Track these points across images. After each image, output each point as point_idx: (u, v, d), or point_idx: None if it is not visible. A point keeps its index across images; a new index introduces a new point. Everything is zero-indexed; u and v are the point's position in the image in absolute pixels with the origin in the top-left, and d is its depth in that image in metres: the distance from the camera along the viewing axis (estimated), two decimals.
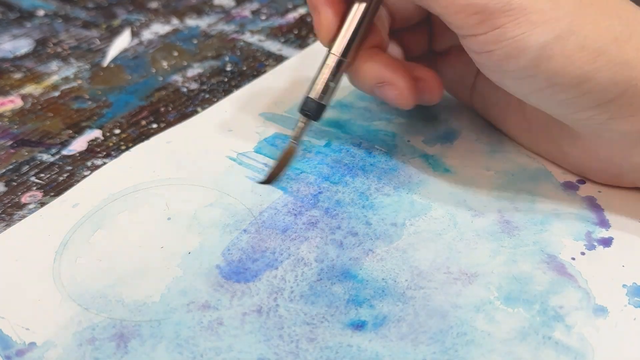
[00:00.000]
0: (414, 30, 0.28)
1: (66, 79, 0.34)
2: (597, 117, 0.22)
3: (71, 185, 0.26)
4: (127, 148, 0.29)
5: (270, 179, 0.26)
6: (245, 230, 0.24)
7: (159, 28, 0.39)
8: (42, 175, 0.27)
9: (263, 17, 0.40)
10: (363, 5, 0.24)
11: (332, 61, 0.25)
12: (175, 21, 0.40)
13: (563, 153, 0.26)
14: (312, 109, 0.25)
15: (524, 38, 0.20)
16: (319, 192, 0.25)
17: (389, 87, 0.25)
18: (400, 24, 0.27)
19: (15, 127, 0.30)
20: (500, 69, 0.22)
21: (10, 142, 0.29)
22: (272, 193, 0.25)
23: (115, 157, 0.28)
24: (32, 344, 0.20)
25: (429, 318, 0.21)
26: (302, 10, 0.41)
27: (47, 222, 0.24)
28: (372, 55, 0.25)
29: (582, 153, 0.25)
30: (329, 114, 0.30)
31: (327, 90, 0.25)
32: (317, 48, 0.36)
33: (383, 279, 0.22)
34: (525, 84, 0.22)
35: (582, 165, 0.26)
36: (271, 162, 0.26)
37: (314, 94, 0.25)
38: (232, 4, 0.42)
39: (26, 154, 0.28)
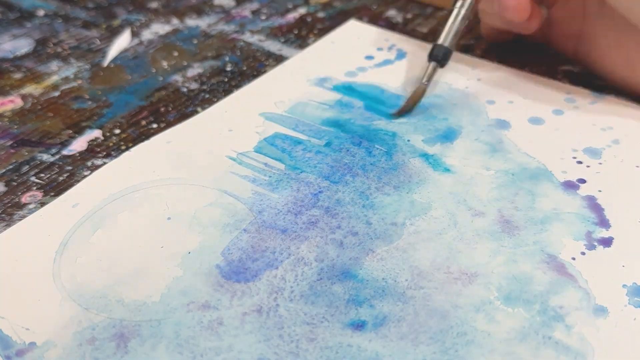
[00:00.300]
0: None
1: (66, 79, 0.34)
2: None
3: (71, 185, 0.26)
4: (127, 148, 0.29)
5: (400, 113, 0.30)
6: (245, 230, 0.24)
7: (159, 28, 0.39)
8: (42, 175, 0.27)
9: (263, 17, 0.40)
10: None
11: (463, 10, 0.30)
12: (175, 21, 0.40)
13: None
14: (440, 55, 0.30)
15: None
16: (319, 192, 0.25)
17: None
18: None
19: (15, 127, 0.30)
20: None
21: (10, 142, 0.29)
22: (272, 192, 0.25)
23: (115, 157, 0.28)
24: (32, 344, 0.20)
25: (429, 318, 0.21)
26: (302, 10, 0.41)
27: (47, 222, 0.24)
28: None
29: None
30: (328, 114, 0.30)
31: (457, 35, 0.30)
32: (316, 48, 0.36)
33: (383, 278, 0.22)
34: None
35: None
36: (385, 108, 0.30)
37: (447, 41, 0.30)
38: (232, 4, 0.42)
39: (26, 154, 0.28)
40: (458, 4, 0.30)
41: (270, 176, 0.26)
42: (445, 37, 0.30)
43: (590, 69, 0.32)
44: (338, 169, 0.27)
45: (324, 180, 0.26)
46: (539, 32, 0.33)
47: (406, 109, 0.30)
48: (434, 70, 0.30)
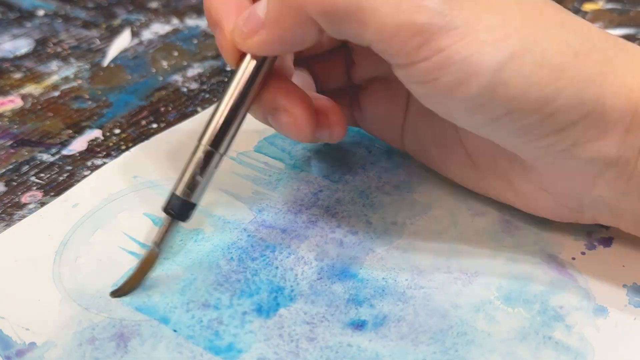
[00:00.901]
0: (328, 59, 0.23)
1: (66, 79, 0.34)
2: (559, 144, 0.19)
3: (71, 185, 0.26)
4: (127, 148, 0.29)
5: (125, 289, 0.21)
6: (245, 229, 0.24)
7: (159, 28, 0.39)
8: (42, 175, 0.27)
9: None
10: (249, 71, 0.21)
11: (200, 153, 0.21)
12: (175, 21, 0.40)
13: (514, 191, 0.23)
14: (176, 208, 0.21)
15: (475, 60, 0.18)
16: (319, 191, 0.25)
17: (283, 114, 0.22)
18: (310, 51, 0.23)
19: (15, 127, 0.30)
20: (448, 99, 0.19)
21: (10, 142, 0.29)
22: (273, 192, 0.25)
23: (115, 157, 0.28)
24: (32, 344, 0.20)
25: (429, 318, 0.21)
26: None
27: (47, 222, 0.24)
28: (266, 80, 0.22)
29: (536, 189, 0.22)
30: None
31: (196, 186, 0.21)
32: None
33: (383, 278, 0.22)
34: (477, 113, 0.19)
35: (537, 203, 0.23)
36: (154, 240, 0.22)
37: (180, 190, 0.21)
38: None
39: (26, 153, 0.28)
40: (198, 152, 0.21)
41: (270, 175, 0.26)
42: (184, 187, 0.21)
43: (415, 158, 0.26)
44: (338, 167, 0.27)
45: (324, 179, 0.26)
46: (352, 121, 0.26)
47: (131, 284, 0.21)
48: (170, 228, 0.21)
